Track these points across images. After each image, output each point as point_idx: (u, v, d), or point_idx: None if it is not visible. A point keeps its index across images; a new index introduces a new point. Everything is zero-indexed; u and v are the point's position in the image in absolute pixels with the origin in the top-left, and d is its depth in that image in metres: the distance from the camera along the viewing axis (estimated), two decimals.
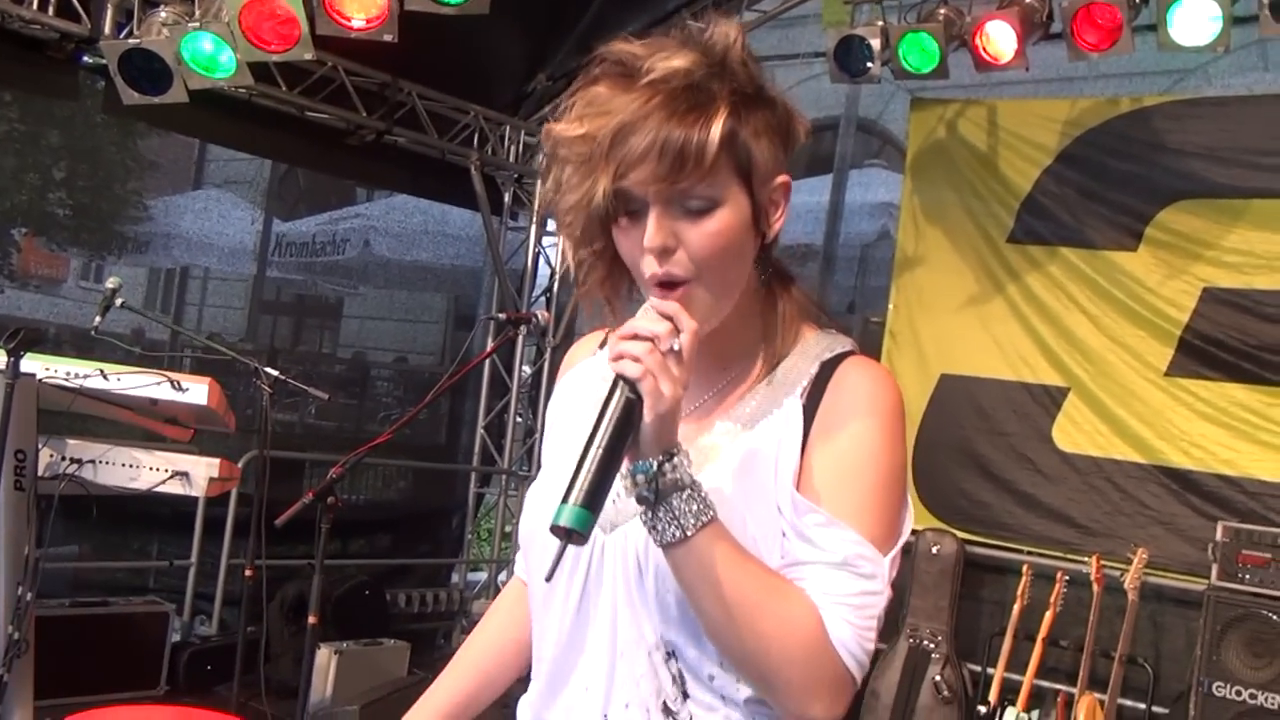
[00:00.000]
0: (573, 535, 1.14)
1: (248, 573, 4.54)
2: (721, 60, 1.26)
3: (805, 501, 1.25)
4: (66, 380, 3.75)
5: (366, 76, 5.99)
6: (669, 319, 1.20)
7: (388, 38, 4.76)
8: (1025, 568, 5.14)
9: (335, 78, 5.84)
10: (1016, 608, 5.07)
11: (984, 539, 5.62)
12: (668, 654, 1.29)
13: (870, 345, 6.04)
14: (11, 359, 3.42)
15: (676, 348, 1.19)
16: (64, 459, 3.93)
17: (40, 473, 3.80)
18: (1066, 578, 5.00)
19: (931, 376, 5.88)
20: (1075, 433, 5.53)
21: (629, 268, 1.30)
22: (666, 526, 1.18)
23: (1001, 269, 5.77)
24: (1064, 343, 5.58)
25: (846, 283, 9.78)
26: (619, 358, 1.18)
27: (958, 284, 5.87)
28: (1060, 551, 5.40)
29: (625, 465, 1.19)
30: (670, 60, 1.24)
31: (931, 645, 5.37)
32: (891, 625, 5.54)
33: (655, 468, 1.17)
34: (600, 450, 1.16)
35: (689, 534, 1.18)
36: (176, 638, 5.35)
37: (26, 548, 3.70)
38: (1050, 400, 5.60)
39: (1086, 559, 5.02)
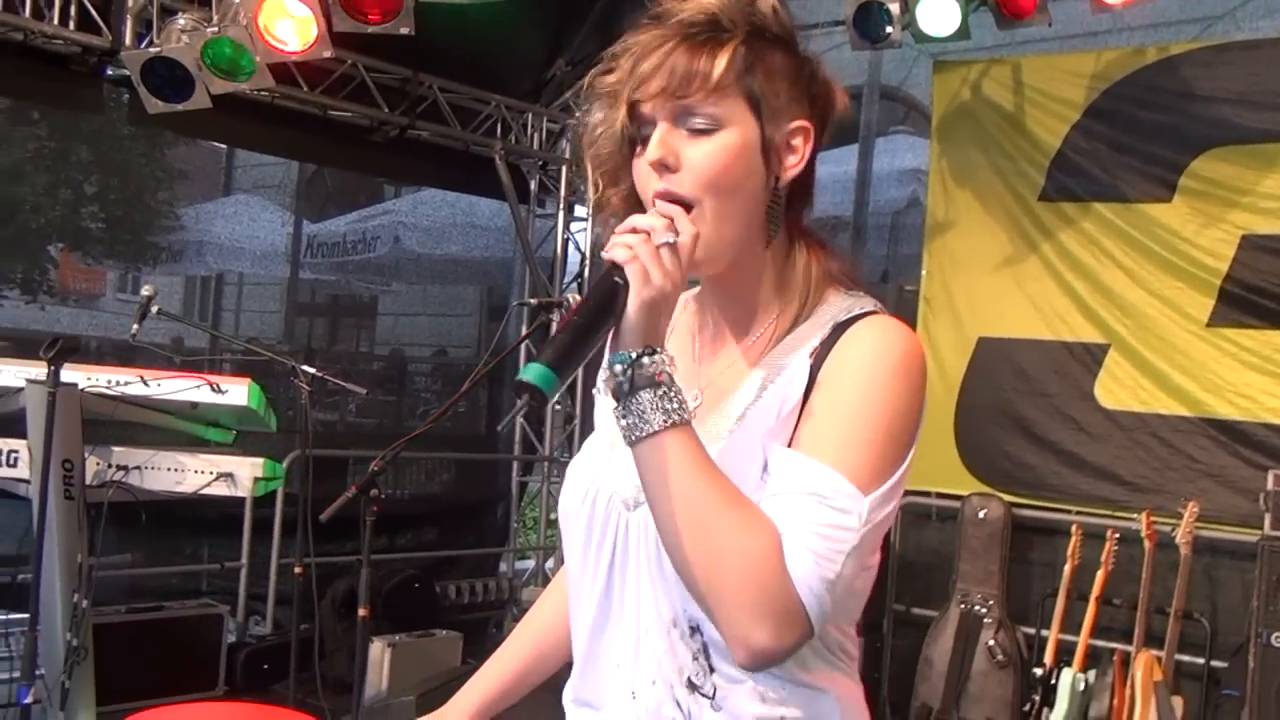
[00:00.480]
0: (534, 393, 1.11)
1: (297, 570, 4.59)
2: (750, 2, 1.29)
3: (779, 446, 1.24)
4: (108, 388, 3.80)
5: (387, 72, 6.00)
6: (669, 219, 1.21)
7: (404, 30, 4.77)
8: (1075, 527, 5.08)
9: (356, 75, 5.85)
10: (1068, 568, 5.02)
11: (1031, 501, 5.57)
12: (691, 629, 1.27)
13: (906, 313, 5.99)
14: (51, 368, 3.47)
15: (672, 241, 1.19)
16: (110, 466, 3.99)
17: (88, 481, 3.86)
18: (1118, 535, 4.95)
19: (969, 341, 5.82)
20: (1118, 389, 5.46)
21: (644, 206, 1.31)
22: (636, 421, 1.17)
23: (1034, 228, 5.69)
24: (1102, 299, 5.50)
25: (879, 252, 9.69)
26: (612, 247, 1.19)
27: (991, 246, 5.80)
28: (1109, 510, 5.32)
29: (608, 357, 1.18)
30: (701, 2, 1.28)
31: (984, 610, 5.34)
32: (942, 591, 5.52)
33: (633, 358, 1.16)
34: (577, 318, 1.15)
35: (656, 429, 1.16)
36: (232, 638, 5.40)
37: (80, 556, 3.76)
38: (1091, 358, 5.53)
39: (1136, 516, 4.96)
